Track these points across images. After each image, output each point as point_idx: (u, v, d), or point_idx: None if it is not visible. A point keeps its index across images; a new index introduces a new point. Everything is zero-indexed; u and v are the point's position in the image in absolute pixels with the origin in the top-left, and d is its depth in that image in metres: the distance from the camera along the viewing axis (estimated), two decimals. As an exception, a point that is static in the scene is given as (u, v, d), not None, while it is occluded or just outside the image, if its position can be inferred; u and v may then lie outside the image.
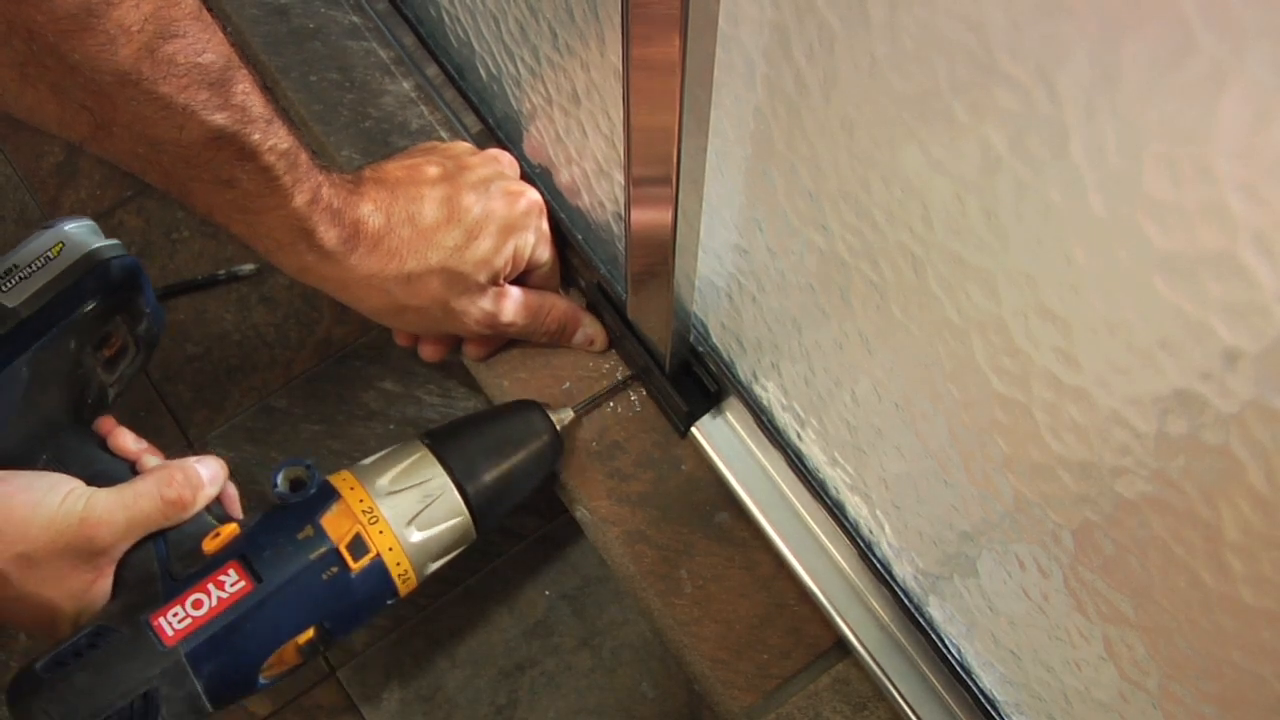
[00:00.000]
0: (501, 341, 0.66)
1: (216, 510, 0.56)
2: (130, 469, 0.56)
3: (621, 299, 0.62)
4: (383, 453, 0.58)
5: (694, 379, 0.61)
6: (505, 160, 0.64)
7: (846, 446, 0.51)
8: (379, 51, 0.74)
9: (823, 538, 0.59)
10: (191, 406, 0.83)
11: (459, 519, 0.57)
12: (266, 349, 0.85)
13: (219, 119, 0.48)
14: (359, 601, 0.54)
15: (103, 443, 0.57)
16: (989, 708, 0.52)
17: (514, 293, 0.62)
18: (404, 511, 0.55)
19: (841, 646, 0.59)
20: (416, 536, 0.55)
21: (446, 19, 0.66)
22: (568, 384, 0.65)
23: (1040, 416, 0.36)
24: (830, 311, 0.45)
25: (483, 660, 0.77)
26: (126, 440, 0.57)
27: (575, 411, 0.62)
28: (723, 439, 0.62)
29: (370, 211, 0.56)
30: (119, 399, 0.62)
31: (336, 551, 0.53)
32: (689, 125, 0.40)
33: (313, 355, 0.84)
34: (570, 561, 0.79)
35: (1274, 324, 0.26)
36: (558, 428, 0.61)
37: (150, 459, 0.57)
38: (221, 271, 0.86)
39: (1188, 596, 0.34)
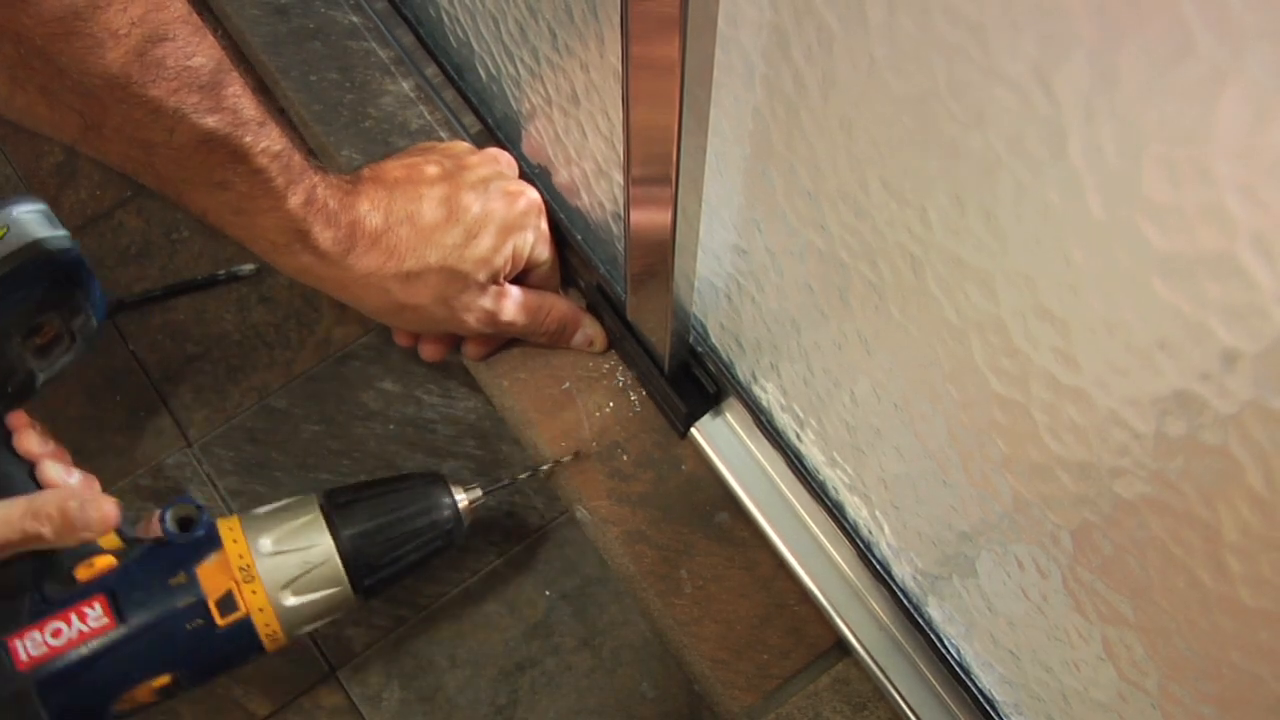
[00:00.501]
0: (501, 341, 0.66)
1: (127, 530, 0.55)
2: (30, 471, 0.55)
3: (621, 299, 0.62)
4: (279, 504, 0.57)
5: (693, 380, 0.61)
6: (504, 160, 0.64)
7: (845, 447, 0.51)
8: (379, 51, 0.74)
9: (822, 538, 0.59)
10: (191, 406, 0.83)
11: (338, 589, 0.56)
12: (266, 349, 0.85)
13: (210, 122, 0.48)
14: (221, 655, 0.54)
15: (8, 438, 0.56)
16: (988, 708, 0.52)
17: (514, 292, 0.62)
18: (282, 575, 0.54)
19: (841, 646, 0.59)
20: (291, 601, 0.54)
21: (446, 19, 0.66)
22: (567, 384, 0.65)
23: (1039, 417, 0.36)
24: (829, 312, 0.45)
25: (483, 660, 0.77)
26: (31, 442, 0.56)
27: (484, 492, 0.60)
28: (722, 439, 0.62)
29: (367, 210, 0.56)
30: (50, 385, 0.62)
31: (205, 604, 0.53)
32: (688, 125, 0.40)
33: (313, 355, 0.84)
34: (570, 561, 0.79)
35: (1273, 325, 0.26)
36: (461, 506, 0.59)
37: (52, 467, 0.56)
38: (221, 271, 0.86)
39: (1186, 597, 0.34)
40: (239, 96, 0.48)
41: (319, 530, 0.56)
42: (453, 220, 0.58)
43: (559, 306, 0.64)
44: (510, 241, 0.60)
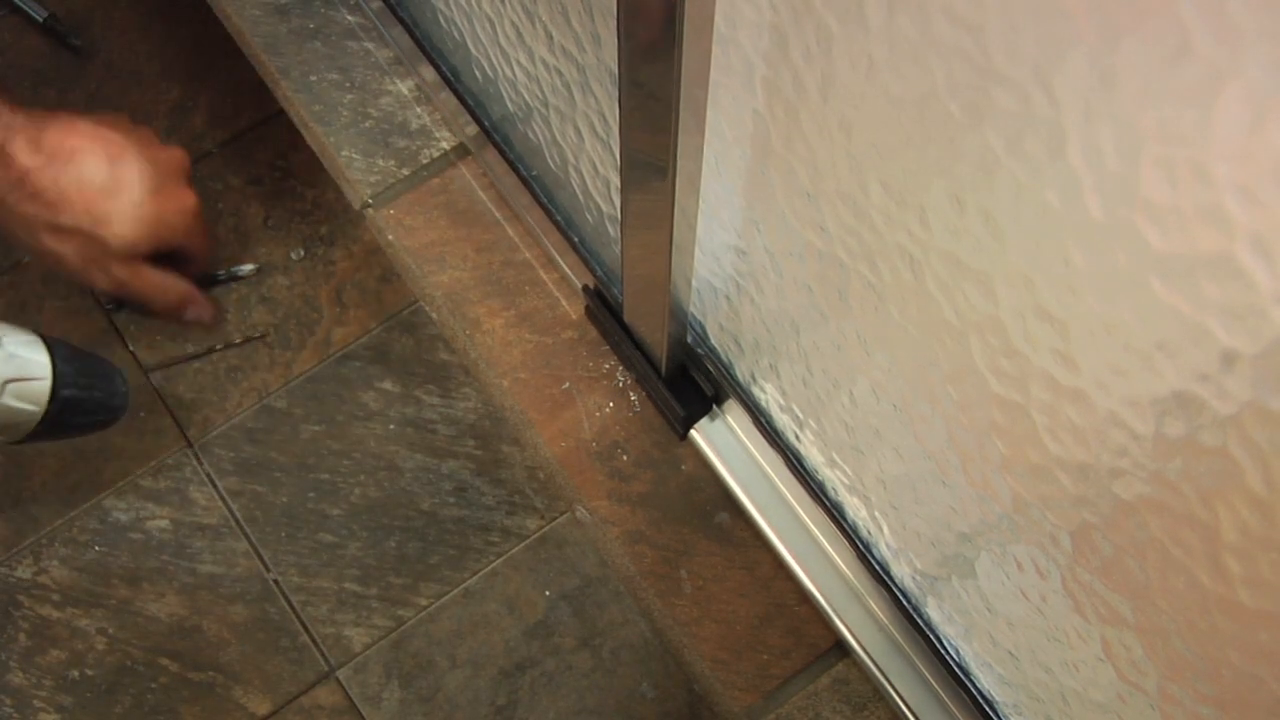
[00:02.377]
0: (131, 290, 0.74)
1: None
2: None
3: (618, 302, 0.62)
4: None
5: (691, 383, 0.61)
6: (179, 162, 0.72)
7: (845, 448, 0.51)
8: (379, 52, 0.74)
9: (821, 539, 0.59)
10: (191, 406, 0.83)
11: (33, 410, 0.62)
12: (266, 349, 0.85)
13: None
14: None
15: None
16: (987, 708, 0.52)
17: (145, 270, 0.72)
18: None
19: (841, 647, 0.59)
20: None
21: (442, 21, 0.66)
22: (567, 384, 0.65)
23: (1038, 418, 0.36)
24: (828, 312, 0.45)
25: (483, 660, 0.77)
26: None
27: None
28: (722, 440, 0.62)
29: (41, 165, 0.64)
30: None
31: None
32: (685, 125, 0.40)
33: (313, 355, 0.84)
34: (570, 561, 0.79)
35: (1271, 326, 0.26)
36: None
37: None
38: (221, 271, 0.86)
39: (1185, 598, 0.34)
40: None
41: (42, 352, 0.63)
42: (113, 198, 0.67)
43: (177, 289, 0.76)
44: (158, 234, 0.70)
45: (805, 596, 0.60)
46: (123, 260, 0.70)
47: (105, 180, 0.67)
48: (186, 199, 0.72)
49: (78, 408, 0.65)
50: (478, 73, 0.66)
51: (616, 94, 0.43)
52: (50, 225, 0.67)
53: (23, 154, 0.64)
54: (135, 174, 0.68)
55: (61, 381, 0.63)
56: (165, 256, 0.75)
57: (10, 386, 0.60)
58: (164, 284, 0.75)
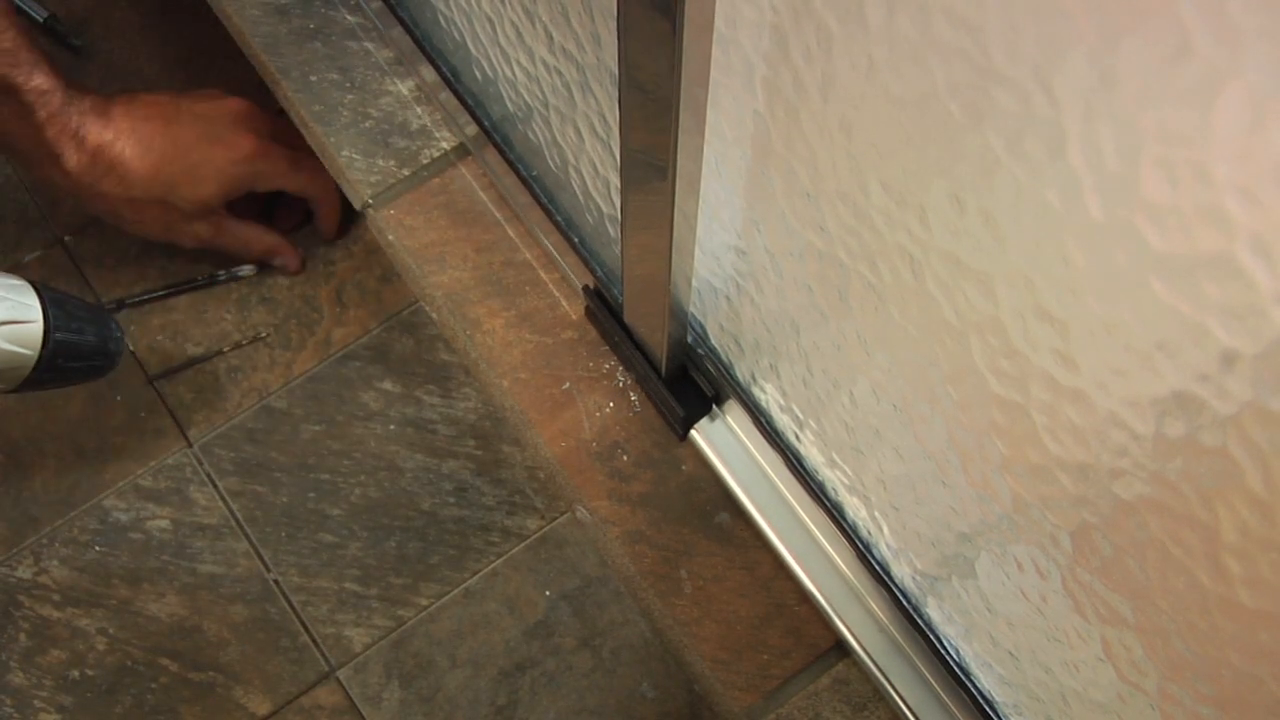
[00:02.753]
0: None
1: None
2: None
3: (618, 302, 0.62)
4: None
5: (691, 383, 0.61)
6: (239, 110, 0.75)
7: (845, 448, 0.51)
8: (379, 52, 0.74)
9: (822, 539, 0.59)
10: (191, 406, 0.83)
11: (26, 354, 0.62)
12: (266, 349, 0.85)
13: None
14: None
15: None
16: (987, 708, 0.52)
17: (227, 224, 0.77)
18: None
19: (841, 647, 0.59)
20: None
21: (442, 21, 0.66)
22: (567, 384, 0.65)
23: (1038, 418, 0.36)
24: (828, 312, 0.45)
25: (483, 660, 0.77)
26: None
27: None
28: (722, 440, 0.62)
29: (111, 140, 0.69)
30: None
31: None
32: (685, 126, 0.40)
33: (313, 355, 0.84)
34: (570, 561, 0.79)
35: (1271, 326, 0.26)
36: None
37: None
38: (221, 271, 0.86)
39: (1185, 598, 0.34)
40: (14, 41, 0.60)
41: (31, 296, 0.63)
42: (173, 162, 0.70)
43: (262, 241, 0.80)
44: (224, 186, 0.73)
45: (805, 596, 0.60)
46: (200, 218, 0.75)
47: (164, 146, 0.70)
48: (242, 145, 0.73)
49: (72, 351, 0.65)
50: (478, 73, 0.66)
51: (616, 94, 0.43)
52: (126, 199, 0.71)
53: (93, 133, 0.68)
54: (190, 133, 0.71)
55: (54, 324, 0.62)
56: (282, 199, 0.81)
57: (1, 330, 0.60)
58: (247, 236, 0.79)
